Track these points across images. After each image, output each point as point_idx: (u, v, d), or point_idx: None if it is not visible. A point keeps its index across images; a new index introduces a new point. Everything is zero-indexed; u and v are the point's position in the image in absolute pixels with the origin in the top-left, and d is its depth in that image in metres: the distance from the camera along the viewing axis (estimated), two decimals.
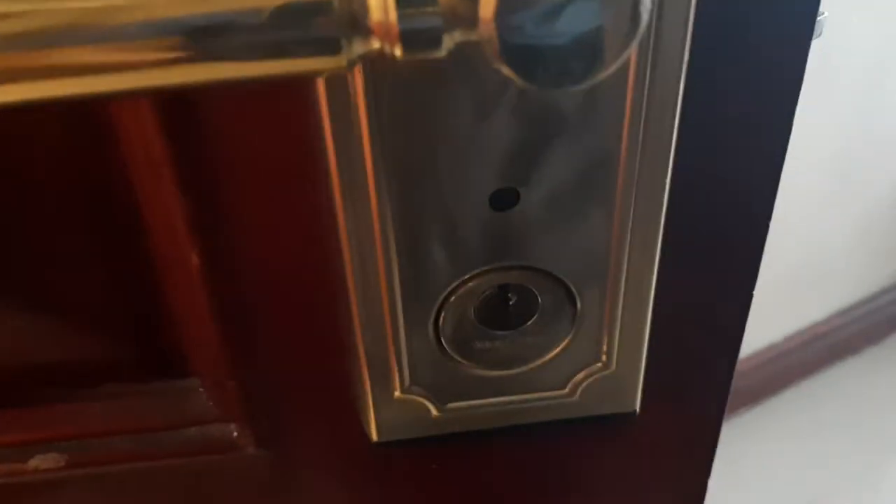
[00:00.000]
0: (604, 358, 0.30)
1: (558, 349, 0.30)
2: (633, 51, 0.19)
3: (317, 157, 0.25)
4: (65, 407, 0.34)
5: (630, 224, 0.27)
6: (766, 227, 0.29)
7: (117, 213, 0.28)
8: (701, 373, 0.33)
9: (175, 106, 0.24)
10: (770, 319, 1.32)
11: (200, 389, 0.33)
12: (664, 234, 0.28)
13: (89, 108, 0.25)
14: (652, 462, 0.35)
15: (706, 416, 0.33)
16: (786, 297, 1.31)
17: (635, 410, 0.32)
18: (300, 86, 0.23)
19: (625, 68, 0.22)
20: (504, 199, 0.26)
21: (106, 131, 0.25)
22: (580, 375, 0.31)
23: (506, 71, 0.17)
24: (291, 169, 0.26)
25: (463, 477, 0.34)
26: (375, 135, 0.23)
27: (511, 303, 0.29)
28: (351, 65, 0.17)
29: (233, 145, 0.25)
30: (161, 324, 0.32)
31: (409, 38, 0.17)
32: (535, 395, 0.31)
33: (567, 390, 0.31)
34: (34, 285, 0.31)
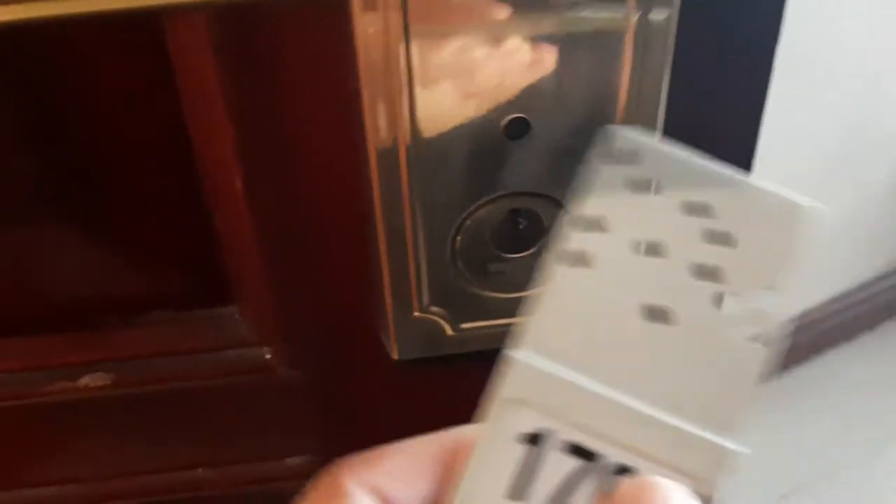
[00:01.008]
0: None
1: None
2: None
3: (350, 89, 0.28)
4: (113, 331, 0.37)
5: None
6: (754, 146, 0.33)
7: (170, 146, 0.32)
8: None
9: (229, 40, 0.28)
10: None
11: (238, 316, 0.37)
12: None
13: (150, 42, 0.28)
14: None
15: None
16: None
17: None
18: (337, 19, 0.26)
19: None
20: (517, 129, 0.29)
21: (165, 65, 0.29)
22: None
23: None
24: (327, 99, 0.29)
25: (476, 392, 0.37)
26: (405, 62, 0.27)
27: (521, 227, 0.32)
28: None
29: (278, 76, 0.28)
30: (206, 255, 0.35)
31: None
32: None
33: None
34: (88, 217, 0.35)
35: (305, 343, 0.36)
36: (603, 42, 0.28)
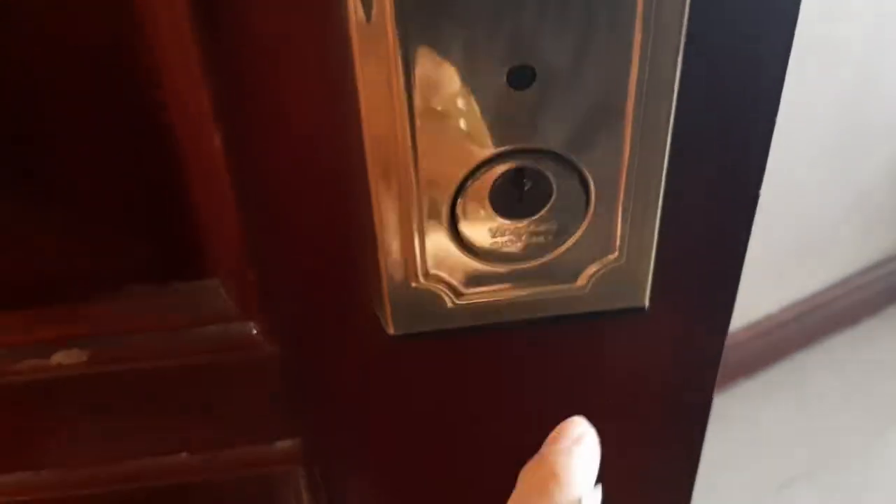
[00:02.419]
0: (616, 250, 0.31)
1: (572, 239, 0.31)
2: None
3: (339, 40, 0.26)
4: (88, 306, 0.34)
5: (644, 109, 0.28)
6: (774, 120, 0.30)
7: (143, 106, 0.29)
8: (709, 268, 0.33)
9: None
10: (769, 290, 1.33)
11: (221, 289, 0.34)
12: (674, 126, 0.29)
13: None
14: (660, 358, 0.36)
15: (714, 313, 0.34)
16: (784, 267, 1.32)
17: (644, 306, 0.33)
18: None
19: None
20: (521, 77, 0.27)
21: (137, 16, 0.26)
22: (592, 267, 0.32)
23: None
24: (315, 53, 0.26)
25: (477, 370, 0.35)
26: (397, 12, 0.24)
27: (526, 189, 0.29)
28: None
29: (258, 28, 0.26)
30: (184, 224, 0.33)
31: None
32: (549, 288, 0.32)
33: (579, 283, 0.32)
34: (59, 185, 0.32)
35: (293, 317, 0.34)
36: None
